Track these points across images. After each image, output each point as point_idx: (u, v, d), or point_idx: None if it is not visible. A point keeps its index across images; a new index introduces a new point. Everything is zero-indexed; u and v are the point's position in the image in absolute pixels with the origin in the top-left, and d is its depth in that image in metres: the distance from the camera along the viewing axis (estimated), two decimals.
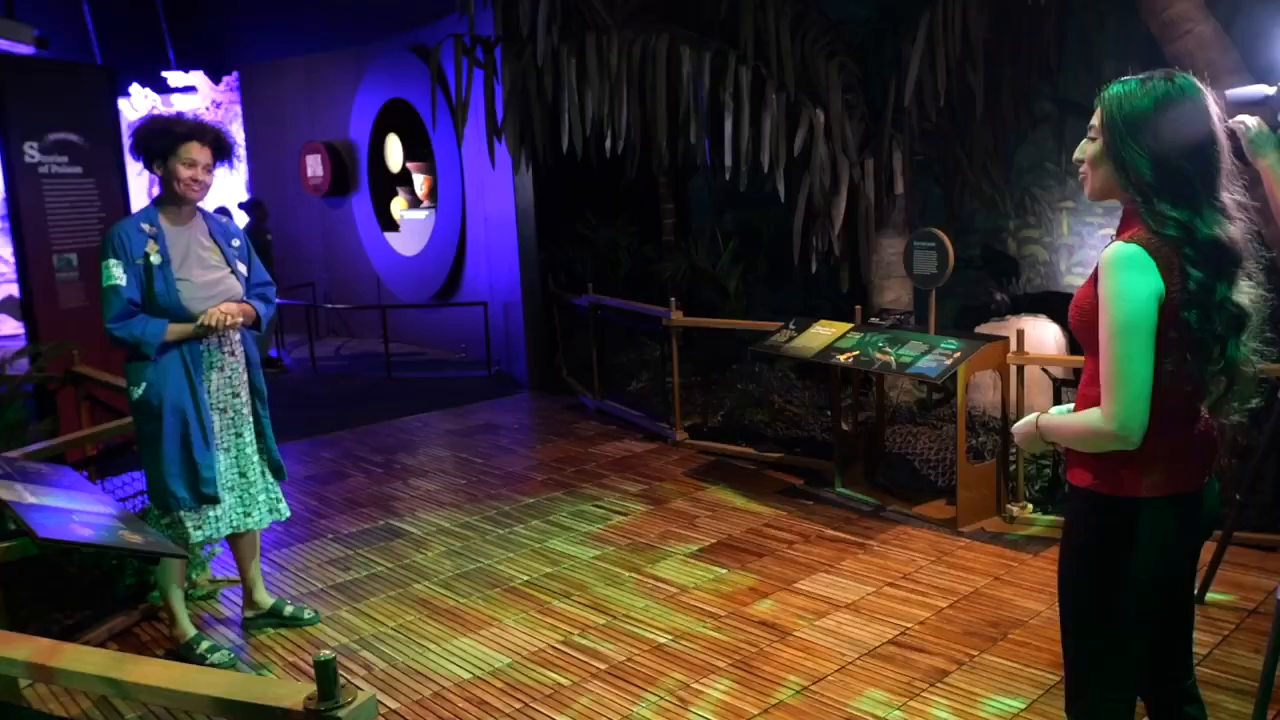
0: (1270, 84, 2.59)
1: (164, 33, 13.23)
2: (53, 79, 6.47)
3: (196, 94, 12.91)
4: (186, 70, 12.89)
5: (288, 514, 3.99)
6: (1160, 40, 4.98)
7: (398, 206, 11.25)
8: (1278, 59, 4.60)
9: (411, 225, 10.93)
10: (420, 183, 10.81)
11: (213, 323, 3.56)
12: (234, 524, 3.75)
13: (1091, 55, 6.05)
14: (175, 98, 12.79)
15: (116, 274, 3.47)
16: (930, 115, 6.00)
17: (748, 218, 8.37)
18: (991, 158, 6.57)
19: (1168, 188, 1.87)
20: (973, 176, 6.64)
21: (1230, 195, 1.92)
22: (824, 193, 6.17)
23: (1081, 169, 2.03)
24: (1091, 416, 1.93)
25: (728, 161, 6.17)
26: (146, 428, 3.58)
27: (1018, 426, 2.18)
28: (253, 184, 12.89)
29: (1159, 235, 1.87)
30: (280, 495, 3.95)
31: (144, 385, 3.55)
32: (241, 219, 10.47)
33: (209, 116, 12.84)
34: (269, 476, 3.90)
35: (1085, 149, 2.00)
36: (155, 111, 4.22)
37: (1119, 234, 1.97)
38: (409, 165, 10.87)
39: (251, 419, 3.81)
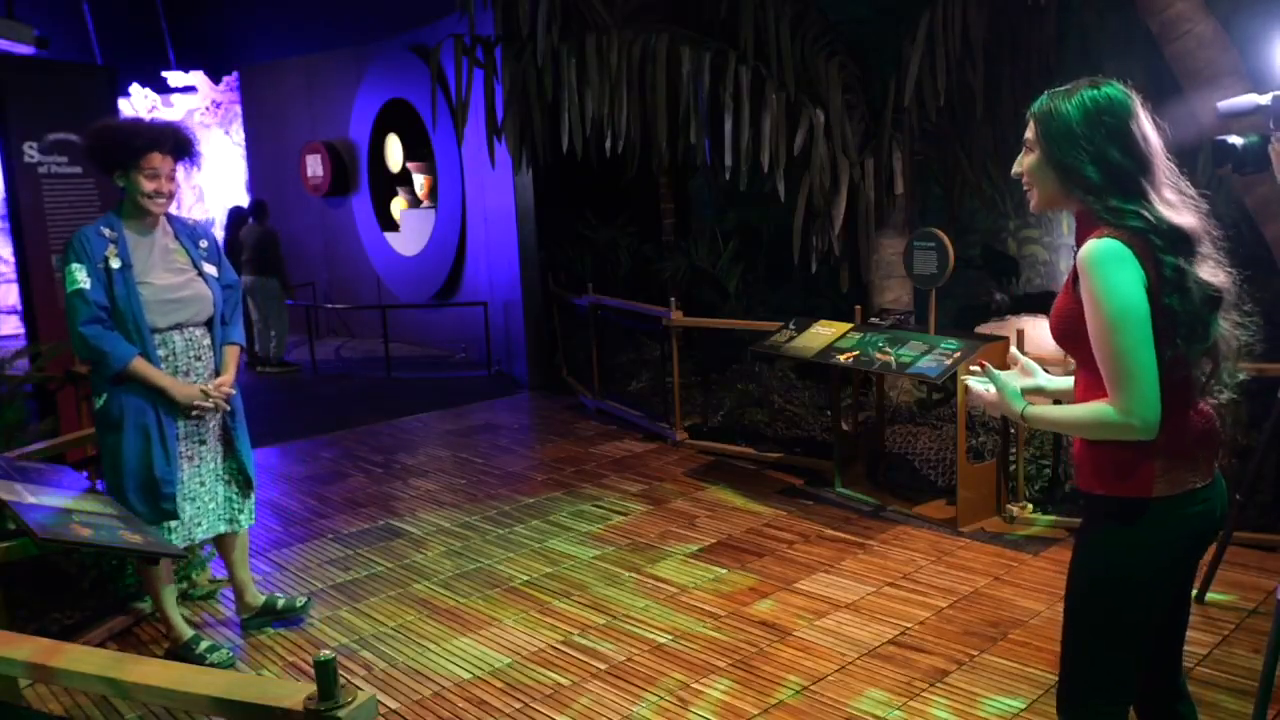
0: (1262, 93, 2.59)
1: (164, 33, 13.23)
2: (53, 79, 6.46)
3: (196, 94, 12.91)
4: (186, 70, 12.89)
5: (246, 524, 3.85)
6: (1160, 40, 4.97)
7: (398, 206, 11.25)
8: (1277, 60, 4.59)
9: (411, 225, 10.93)
10: (420, 182, 10.81)
11: (193, 409, 3.53)
12: (190, 535, 3.65)
13: (1091, 55, 6.04)
14: (175, 98, 12.80)
15: (80, 278, 3.37)
16: (930, 115, 6.00)
17: (748, 218, 8.37)
18: (991, 158, 6.56)
19: (1114, 185, 1.91)
20: (973, 176, 6.64)
21: (1172, 191, 1.96)
22: (824, 193, 6.17)
23: (1024, 183, 2.06)
24: (1103, 410, 1.91)
25: (728, 161, 6.17)
26: (108, 439, 3.48)
27: (983, 393, 2.22)
28: (253, 184, 12.89)
29: (1124, 228, 1.89)
30: (243, 505, 3.82)
31: (105, 395, 3.46)
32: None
33: (209, 117, 12.86)
34: (233, 487, 3.77)
35: (1024, 163, 2.04)
36: (113, 119, 4.17)
37: (1081, 239, 1.98)
38: (409, 165, 10.87)
39: (220, 429, 3.71)
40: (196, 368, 3.62)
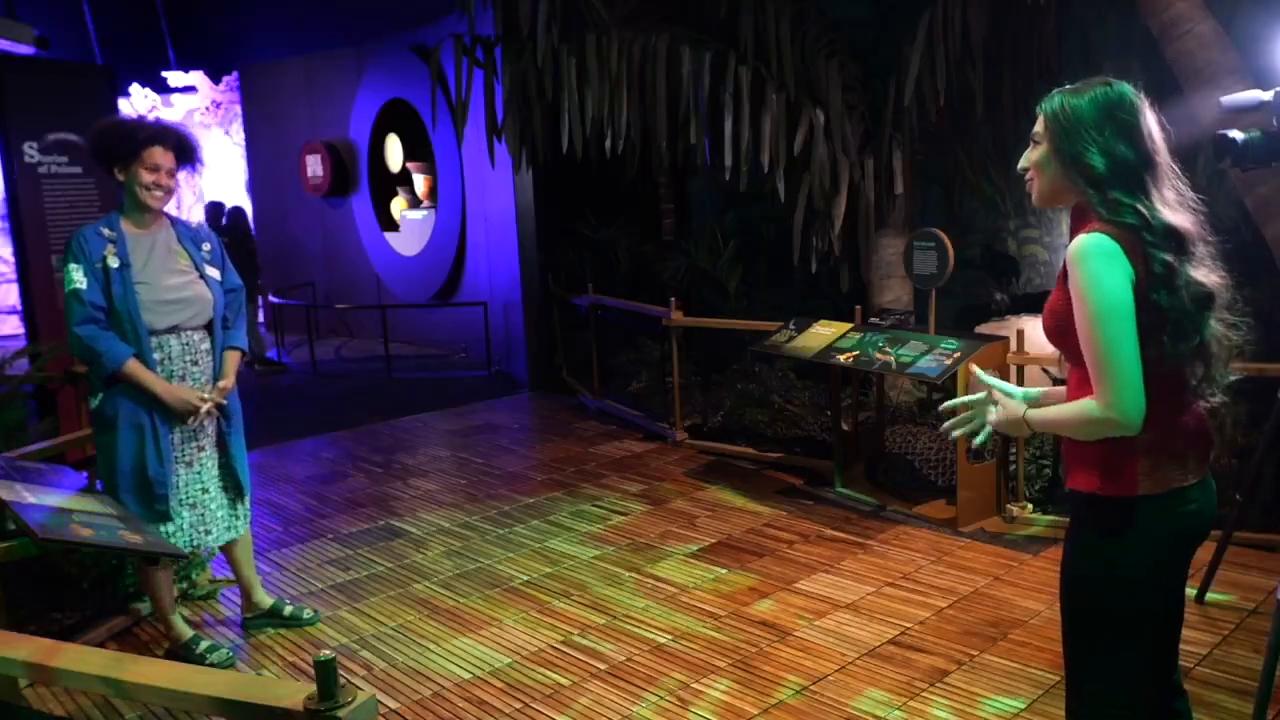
0: (1265, 89, 2.59)
1: (164, 33, 13.23)
2: (53, 79, 6.46)
3: (196, 94, 12.91)
4: (186, 70, 12.90)
5: (244, 529, 3.85)
6: (1160, 40, 4.97)
7: (398, 206, 11.26)
8: (1277, 60, 4.59)
9: (411, 225, 10.93)
10: (420, 183, 10.81)
11: (187, 418, 3.51)
12: (193, 542, 3.64)
13: (1091, 55, 6.05)
14: (175, 98, 12.80)
15: (77, 278, 3.38)
16: (930, 115, 6.00)
17: (748, 218, 8.36)
18: (991, 158, 6.56)
19: (1119, 178, 1.94)
20: (973, 176, 6.64)
21: (1172, 191, 1.99)
22: (824, 193, 6.17)
23: (1027, 176, 2.09)
24: (1087, 406, 1.93)
25: (728, 161, 6.17)
26: (103, 437, 3.49)
27: (1000, 415, 2.18)
28: (253, 184, 12.90)
29: (1117, 224, 1.92)
30: (241, 513, 3.80)
31: (101, 395, 3.46)
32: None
33: (209, 117, 12.87)
34: (230, 493, 3.75)
35: (1030, 157, 2.07)
36: (117, 116, 4.31)
37: (1074, 233, 2.01)
38: (409, 165, 10.88)
39: (215, 434, 3.68)
40: (193, 372, 3.59)
